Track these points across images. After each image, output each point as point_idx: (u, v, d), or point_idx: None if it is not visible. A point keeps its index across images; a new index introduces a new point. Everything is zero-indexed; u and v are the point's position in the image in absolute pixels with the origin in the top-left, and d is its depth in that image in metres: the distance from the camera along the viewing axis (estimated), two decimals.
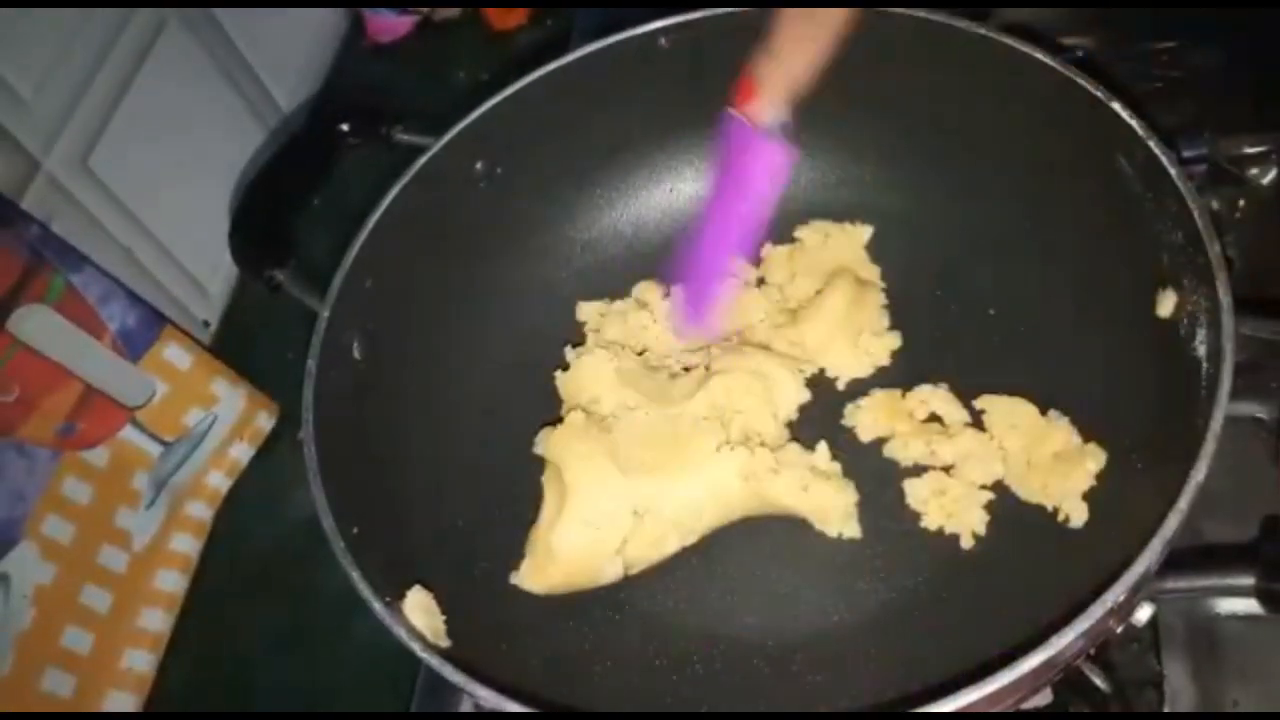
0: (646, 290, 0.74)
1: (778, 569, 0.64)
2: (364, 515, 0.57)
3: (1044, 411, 0.63)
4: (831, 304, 0.70)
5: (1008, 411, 0.64)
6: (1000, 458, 0.63)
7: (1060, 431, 0.62)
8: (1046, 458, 0.62)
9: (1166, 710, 0.60)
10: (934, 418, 0.66)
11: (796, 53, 0.56)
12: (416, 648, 0.51)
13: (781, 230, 0.75)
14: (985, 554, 0.61)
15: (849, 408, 0.68)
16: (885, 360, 0.70)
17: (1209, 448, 0.47)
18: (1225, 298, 0.51)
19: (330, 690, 0.74)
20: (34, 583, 0.69)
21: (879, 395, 0.68)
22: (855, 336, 0.70)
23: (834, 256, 0.74)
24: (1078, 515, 0.59)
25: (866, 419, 0.67)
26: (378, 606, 0.52)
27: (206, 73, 0.93)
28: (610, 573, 0.63)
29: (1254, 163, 0.75)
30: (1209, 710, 0.59)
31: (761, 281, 0.75)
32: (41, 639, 0.70)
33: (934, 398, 0.66)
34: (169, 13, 0.88)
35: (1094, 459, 0.60)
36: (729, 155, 0.61)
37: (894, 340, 0.70)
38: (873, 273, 0.73)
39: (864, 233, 0.74)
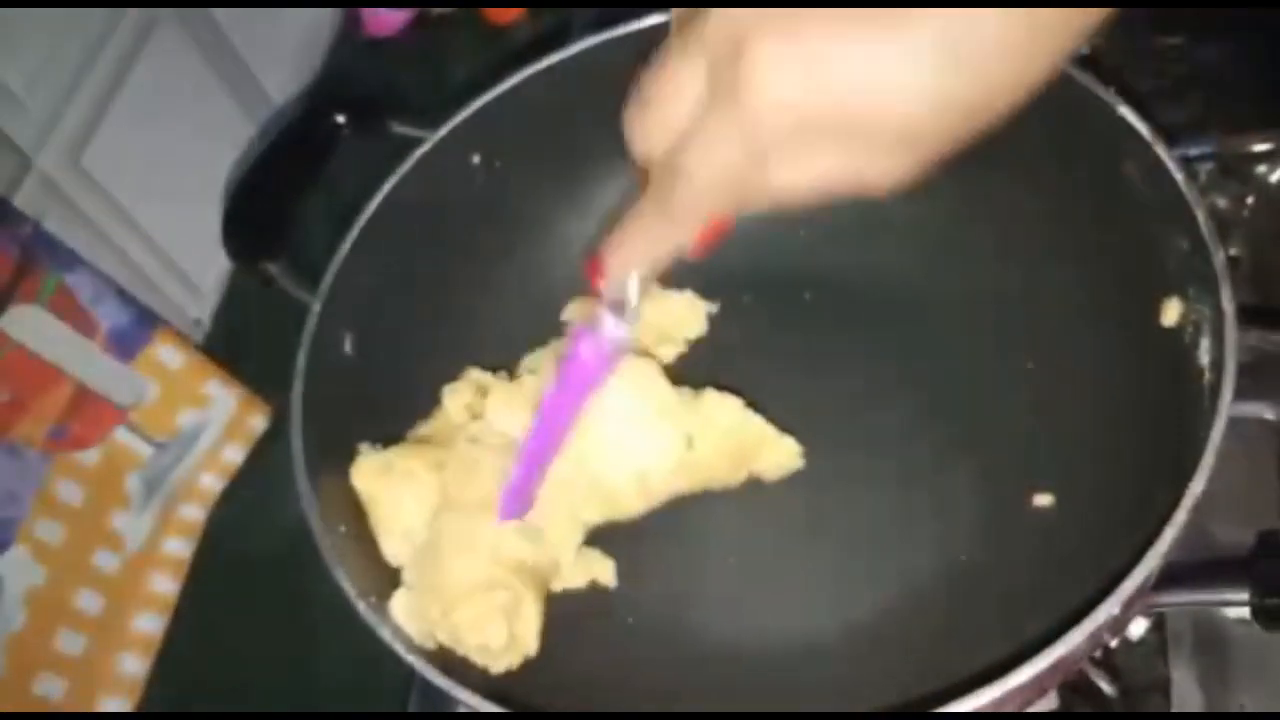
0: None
1: (773, 571, 0.63)
2: (352, 513, 0.56)
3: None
4: None
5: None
6: None
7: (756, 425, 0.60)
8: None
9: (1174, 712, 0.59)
10: None
11: (656, 245, 0.46)
12: (400, 648, 0.51)
13: None
14: (984, 561, 0.60)
15: None
16: None
17: (1208, 461, 0.46)
18: (1229, 307, 0.50)
19: (326, 692, 0.73)
20: (26, 585, 0.69)
21: None
22: None
23: None
24: None
25: None
26: (362, 606, 0.52)
27: (200, 70, 0.93)
28: None
29: (1262, 160, 0.74)
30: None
31: None
32: (33, 642, 0.70)
33: None
34: (163, 10, 0.87)
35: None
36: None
37: None
38: None
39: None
